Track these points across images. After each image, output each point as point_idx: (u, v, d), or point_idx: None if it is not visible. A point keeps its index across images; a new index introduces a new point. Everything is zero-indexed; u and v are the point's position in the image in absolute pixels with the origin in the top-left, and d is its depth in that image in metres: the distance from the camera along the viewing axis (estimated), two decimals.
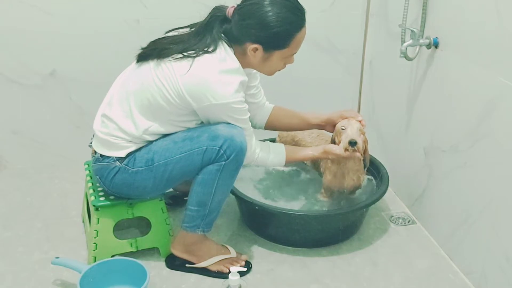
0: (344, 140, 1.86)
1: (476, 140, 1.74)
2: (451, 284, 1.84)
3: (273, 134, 2.22)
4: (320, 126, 2.03)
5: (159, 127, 1.72)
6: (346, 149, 1.85)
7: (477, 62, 1.71)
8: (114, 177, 1.75)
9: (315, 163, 2.13)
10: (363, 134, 1.91)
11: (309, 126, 2.05)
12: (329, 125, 2.00)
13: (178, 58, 1.66)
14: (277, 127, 2.07)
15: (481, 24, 1.68)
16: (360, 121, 1.91)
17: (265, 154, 1.85)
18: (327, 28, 2.50)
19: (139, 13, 2.34)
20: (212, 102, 1.65)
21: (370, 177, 2.17)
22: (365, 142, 1.94)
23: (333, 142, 1.95)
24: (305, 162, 2.20)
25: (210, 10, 1.72)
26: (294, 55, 1.77)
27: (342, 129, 1.90)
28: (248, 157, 1.78)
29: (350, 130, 1.87)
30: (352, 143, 1.84)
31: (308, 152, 1.92)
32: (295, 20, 1.67)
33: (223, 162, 1.69)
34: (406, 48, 1.93)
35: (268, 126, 2.05)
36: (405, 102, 2.18)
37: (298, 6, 1.69)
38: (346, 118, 1.93)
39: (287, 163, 1.94)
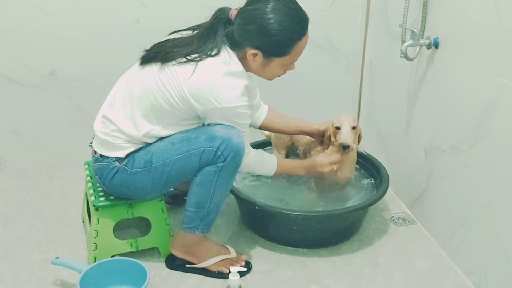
0: (338, 141, 1.91)
1: (476, 140, 1.74)
2: (451, 284, 1.84)
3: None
4: (310, 135, 2.08)
5: (160, 131, 1.71)
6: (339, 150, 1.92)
7: (477, 62, 1.71)
8: (113, 177, 1.75)
9: (306, 156, 2.12)
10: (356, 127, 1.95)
11: (299, 133, 2.10)
12: (317, 135, 2.05)
13: (182, 62, 1.65)
14: (270, 129, 2.10)
15: (481, 24, 1.68)
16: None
17: (260, 163, 1.87)
18: (327, 28, 2.50)
19: (139, 13, 2.33)
20: (216, 105, 1.64)
21: (371, 180, 2.19)
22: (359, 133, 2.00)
23: (328, 139, 1.98)
24: (300, 154, 2.19)
25: (214, 12, 1.71)
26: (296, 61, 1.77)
27: (337, 128, 1.93)
28: (244, 163, 1.78)
29: (345, 130, 1.91)
30: (345, 147, 1.89)
31: (296, 166, 1.98)
32: (296, 28, 1.66)
33: (221, 164, 1.69)
34: (407, 48, 1.93)
35: (262, 127, 2.08)
36: (405, 102, 2.18)
37: (301, 14, 1.67)
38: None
39: (276, 175, 1.96)
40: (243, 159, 1.75)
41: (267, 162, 1.90)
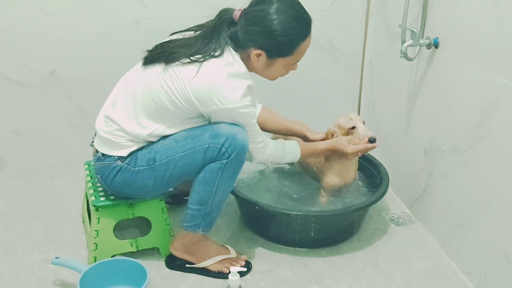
0: (363, 138, 1.93)
1: (476, 140, 1.74)
2: (451, 284, 1.84)
3: None
4: (302, 138, 2.08)
5: (165, 130, 1.72)
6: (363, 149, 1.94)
7: (477, 62, 1.71)
8: (115, 176, 1.75)
9: (306, 166, 2.12)
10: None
11: (292, 135, 2.10)
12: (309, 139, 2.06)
13: (186, 62, 1.66)
14: (263, 129, 2.06)
15: (481, 24, 1.68)
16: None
17: (282, 153, 1.88)
18: (327, 28, 2.50)
19: (139, 13, 2.34)
20: (220, 106, 1.65)
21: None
22: None
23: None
24: (295, 164, 2.18)
25: (218, 12, 1.72)
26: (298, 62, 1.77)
27: (352, 128, 1.95)
28: (267, 155, 1.83)
29: (362, 126, 1.95)
30: (372, 140, 1.93)
31: (320, 148, 1.97)
32: (300, 29, 1.67)
33: (225, 161, 1.69)
34: (406, 48, 1.93)
35: None
36: (405, 102, 2.18)
37: (304, 15, 1.68)
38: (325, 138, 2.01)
39: (302, 158, 1.97)
40: (264, 152, 1.80)
41: (289, 150, 1.91)
